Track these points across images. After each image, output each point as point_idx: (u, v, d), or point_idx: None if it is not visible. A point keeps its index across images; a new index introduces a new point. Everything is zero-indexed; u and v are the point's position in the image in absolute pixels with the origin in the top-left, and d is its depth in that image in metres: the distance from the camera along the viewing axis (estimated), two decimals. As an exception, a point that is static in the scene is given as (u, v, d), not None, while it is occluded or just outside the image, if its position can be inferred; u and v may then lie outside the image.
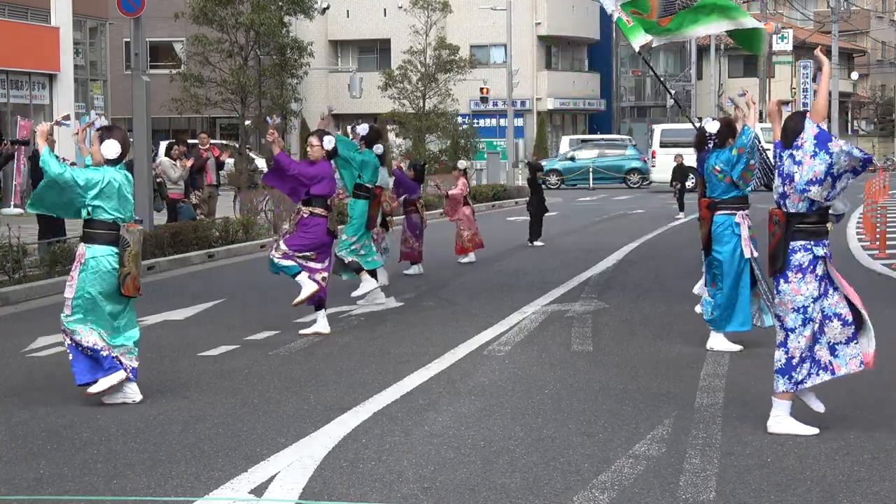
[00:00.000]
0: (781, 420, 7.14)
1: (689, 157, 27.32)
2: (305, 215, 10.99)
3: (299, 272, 10.91)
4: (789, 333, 7.09)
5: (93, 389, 8.04)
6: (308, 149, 11.22)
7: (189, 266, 17.63)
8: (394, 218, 15.45)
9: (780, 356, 7.13)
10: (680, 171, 27.75)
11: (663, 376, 8.93)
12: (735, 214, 9.93)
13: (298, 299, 10.95)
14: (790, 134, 7.16)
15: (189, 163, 20.35)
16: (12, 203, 28.95)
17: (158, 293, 14.40)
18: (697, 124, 10.88)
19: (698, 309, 11.29)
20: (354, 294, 12.81)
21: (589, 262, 17.20)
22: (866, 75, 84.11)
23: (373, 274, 12.92)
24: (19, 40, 30.92)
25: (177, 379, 9.05)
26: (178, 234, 18.09)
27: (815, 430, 7.08)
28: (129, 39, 24.46)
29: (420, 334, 11.01)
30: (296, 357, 9.96)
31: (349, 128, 14.15)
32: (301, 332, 10.96)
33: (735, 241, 9.88)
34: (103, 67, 37.83)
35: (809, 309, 7.04)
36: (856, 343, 7.09)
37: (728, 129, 10.17)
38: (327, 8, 48.62)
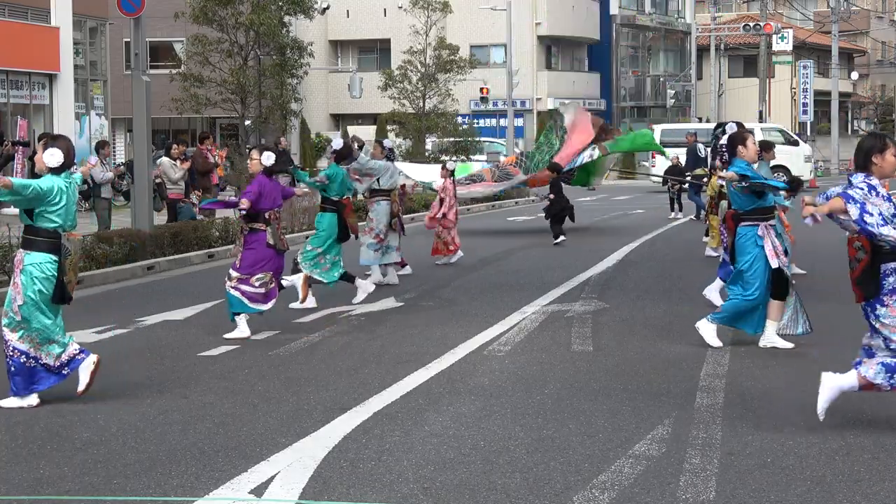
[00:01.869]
0: (830, 388, 7.15)
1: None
2: (247, 232, 11.07)
3: (239, 314, 10.88)
4: None
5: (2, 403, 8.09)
6: (248, 162, 11.38)
7: (189, 266, 17.62)
8: (402, 217, 15.55)
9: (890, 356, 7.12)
10: (675, 172, 27.75)
11: (663, 376, 8.93)
12: (758, 226, 9.92)
13: (230, 335, 10.82)
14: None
15: (187, 164, 20.32)
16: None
17: (158, 293, 14.41)
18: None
19: (715, 298, 11.59)
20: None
21: (589, 262, 17.19)
22: (866, 75, 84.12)
23: (346, 277, 12.99)
24: (19, 40, 30.90)
25: (177, 379, 9.05)
26: (178, 234, 18.09)
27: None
28: (129, 39, 24.44)
29: (420, 334, 11.01)
30: (296, 357, 9.96)
31: (349, 129, 14.41)
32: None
33: (756, 252, 9.87)
34: (103, 67, 37.80)
35: None
36: None
37: (731, 142, 10.17)
38: (327, 8, 48.59)
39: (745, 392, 8.34)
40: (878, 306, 7.08)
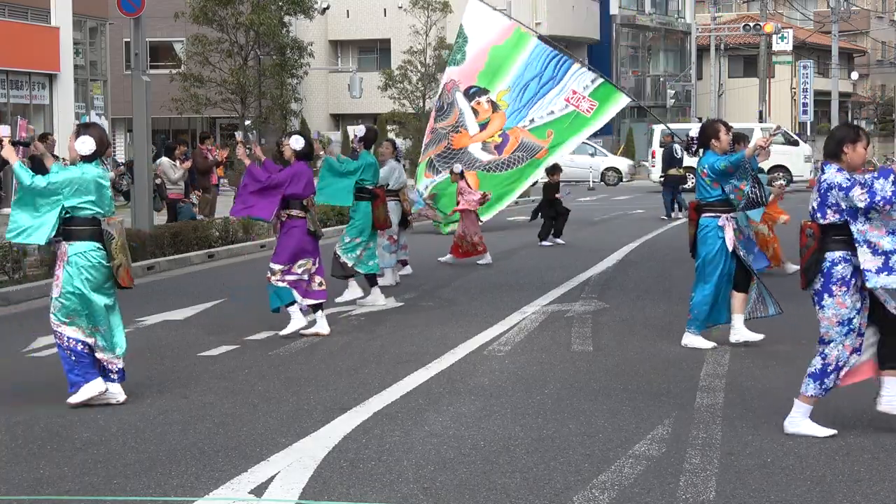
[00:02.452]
0: (799, 422, 7.10)
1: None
2: (284, 219, 11.01)
3: (293, 302, 10.87)
4: (830, 343, 7.03)
5: (72, 400, 8.01)
6: (282, 149, 11.32)
7: (189, 266, 17.62)
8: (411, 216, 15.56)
9: (816, 362, 7.08)
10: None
11: (663, 376, 8.93)
12: (719, 217, 9.93)
13: (286, 332, 10.84)
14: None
15: (188, 164, 20.33)
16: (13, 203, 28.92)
17: (158, 293, 14.41)
18: (697, 122, 10.90)
19: None
20: (339, 300, 12.80)
21: (589, 262, 17.19)
22: (866, 75, 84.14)
23: (372, 279, 12.93)
24: (19, 40, 30.93)
25: (177, 379, 9.05)
26: (178, 234, 18.09)
27: (833, 432, 7.04)
28: (129, 39, 24.47)
29: (420, 334, 11.01)
30: (296, 357, 9.96)
31: (349, 128, 14.39)
32: (301, 332, 10.96)
33: (719, 244, 9.89)
34: (103, 67, 37.82)
35: (854, 320, 6.99)
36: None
37: (703, 133, 10.15)
38: (327, 8, 48.60)
39: (745, 392, 8.35)
40: (825, 296, 7.01)
